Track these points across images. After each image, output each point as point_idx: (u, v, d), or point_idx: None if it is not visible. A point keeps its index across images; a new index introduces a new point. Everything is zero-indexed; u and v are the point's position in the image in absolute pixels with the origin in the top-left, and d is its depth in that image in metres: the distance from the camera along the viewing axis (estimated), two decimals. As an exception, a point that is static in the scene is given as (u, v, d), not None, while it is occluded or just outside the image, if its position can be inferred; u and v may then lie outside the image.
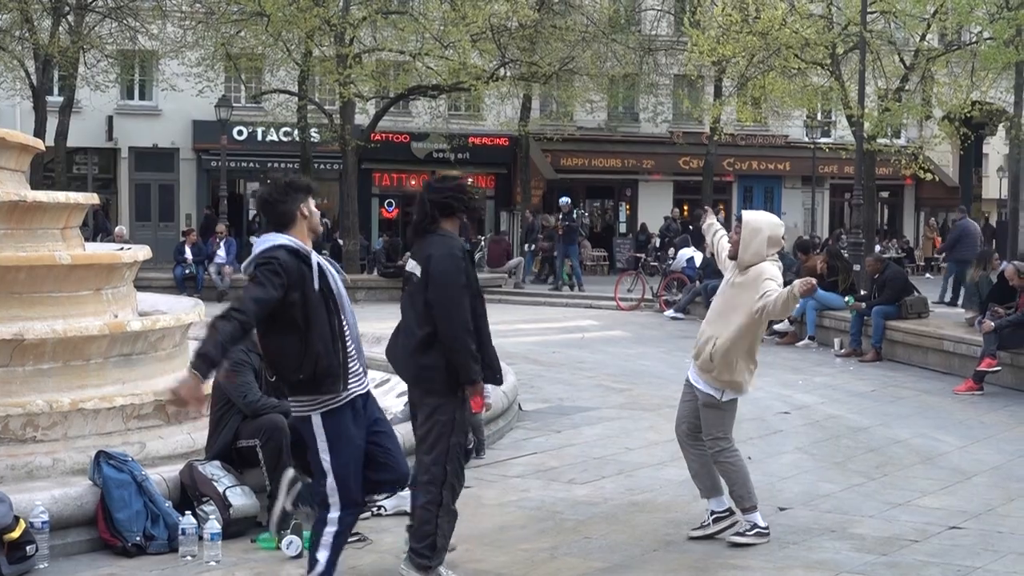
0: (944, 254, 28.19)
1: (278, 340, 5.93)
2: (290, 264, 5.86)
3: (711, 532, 7.83)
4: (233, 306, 5.76)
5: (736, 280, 7.73)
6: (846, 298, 18.53)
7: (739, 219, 7.84)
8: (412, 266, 6.84)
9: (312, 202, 6.14)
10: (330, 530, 6.07)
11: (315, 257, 6.02)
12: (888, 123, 28.87)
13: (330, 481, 6.02)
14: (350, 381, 6.04)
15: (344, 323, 6.06)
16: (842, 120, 32.59)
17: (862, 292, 18.45)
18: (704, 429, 7.84)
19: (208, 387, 5.90)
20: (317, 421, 5.98)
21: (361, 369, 6.19)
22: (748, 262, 7.66)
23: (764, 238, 7.69)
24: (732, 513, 7.86)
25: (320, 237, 6.06)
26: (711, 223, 8.73)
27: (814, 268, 19.35)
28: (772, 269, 7.68)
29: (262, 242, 6.03)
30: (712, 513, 7.89)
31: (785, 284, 7.65)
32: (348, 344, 6.08)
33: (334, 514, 6.06)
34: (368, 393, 6.26)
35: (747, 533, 7.72)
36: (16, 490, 7.28)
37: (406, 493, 8.25)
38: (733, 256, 7.80)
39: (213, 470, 7.77)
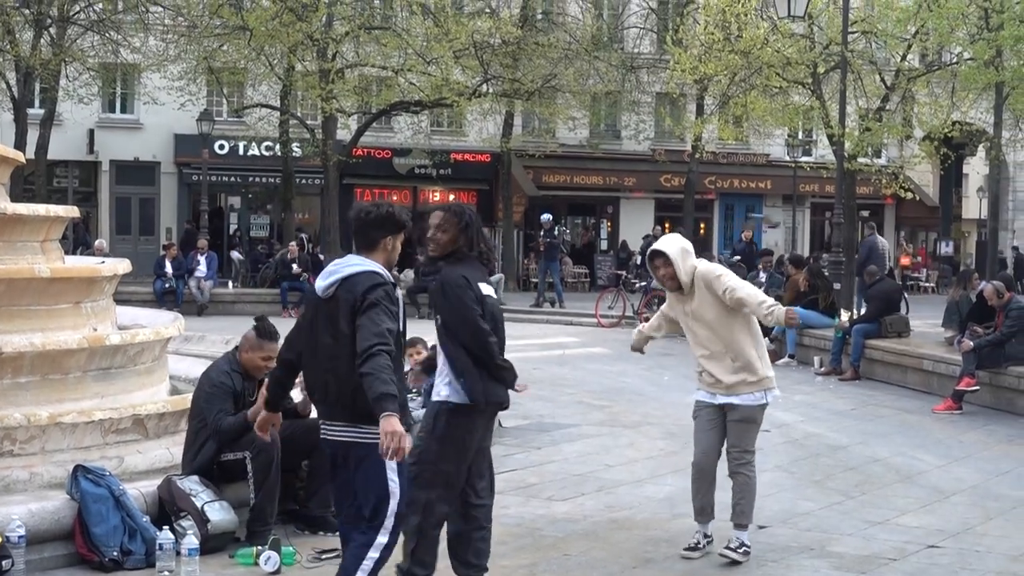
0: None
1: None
2: (396, 295, 5.93)
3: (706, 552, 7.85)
4: (377, 342, 5.65)
5: (691, 306, 7.78)
6: (835, 318, 18.55)
7: (657, 255, 7.81)
8: (490, 290, 6.77)
9: (400, 239, 6.15)
10: (373, 555, 5.84)
11: (398, 290, 6.05)
12: (869, 142, 28.98)
13: (393, 504, 5.83)
14: None
15: None
16: (823, 139, 32.69)
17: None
18: (735, 443, 7.82)
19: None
20: None
21: None
22: (688, 279, 7.74)
23: (691, 252, 7.86)
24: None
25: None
26: (650, 330, 8.55)
27: (798, 284, 19.40)
28: (711, 265, 7.91)
29: (357, 264, 5.98)
30: (706, 536, 7.89)
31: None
32: None
33: (383, 539, 5.83)
34: None
35: (737, 550, 7.72)
36: (-8, 504, 7.24)
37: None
38: (677, 287, 7.82)
39: (191, 485, 7.73)
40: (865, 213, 44.97)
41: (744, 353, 7.72)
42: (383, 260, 6.04)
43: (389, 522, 5.82)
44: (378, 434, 5.52)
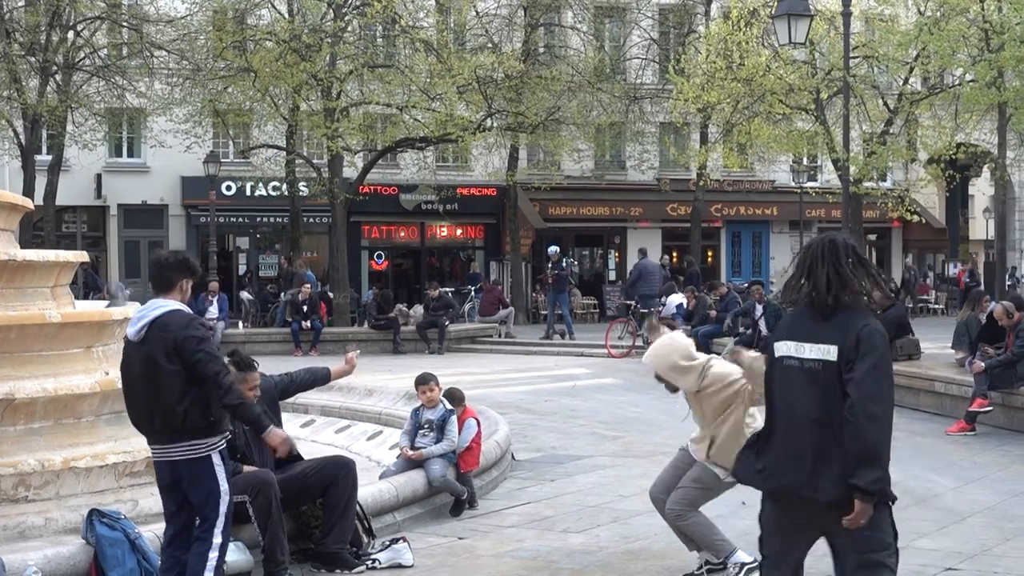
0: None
1: (193, 389, 6.63)
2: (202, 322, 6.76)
3: None
4: (224, 370, 6.79)
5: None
6: None
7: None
8: (820, 351, 5.47)
9: (190, 283, 7.13)
10: (214, 555, 6.67)
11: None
12: (874, 166, 29.06)
13: (223, 507, 6.68)
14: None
15: None
16: (828, 164, 32.79)
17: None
18: (680, 494, 7.85)
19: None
20: (217, 459, 6.72)
21: None
22: None
23: None
24: (726, 567, 7.86)
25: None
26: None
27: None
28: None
29: (161, 305, 6.84)
30: (707, 563, 7.87)
31: None
32: None
33: (218, 539, 6.67)
34: None
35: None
36: (8, 551, 7.23)
37: (401, 546, 8.26)
38: None
39: (206, 526, 7.72)
40: (872, 236, 45.06)
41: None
42: (179, 300, 6.98)
43: (220, 521, 6.68)
44: (206, 445, 6.66)
